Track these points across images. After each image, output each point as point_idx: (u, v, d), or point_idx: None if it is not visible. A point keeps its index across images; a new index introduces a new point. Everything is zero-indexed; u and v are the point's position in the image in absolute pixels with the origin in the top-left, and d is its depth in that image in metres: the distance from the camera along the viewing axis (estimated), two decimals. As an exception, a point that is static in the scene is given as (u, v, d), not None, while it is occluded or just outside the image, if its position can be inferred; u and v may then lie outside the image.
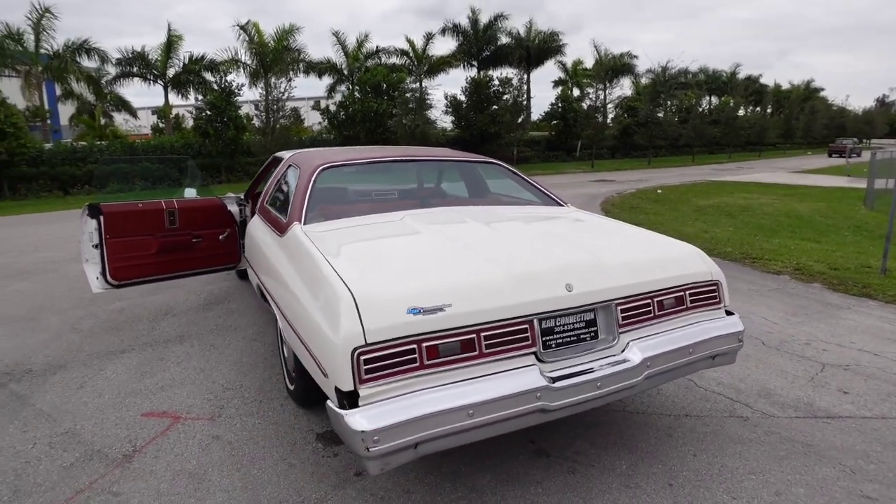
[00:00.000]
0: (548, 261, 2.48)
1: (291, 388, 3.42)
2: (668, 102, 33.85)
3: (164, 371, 4.14)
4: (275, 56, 24.68)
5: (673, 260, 2.79)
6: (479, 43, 34.27)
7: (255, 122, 23.99)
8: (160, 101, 28.20)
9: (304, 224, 3.11)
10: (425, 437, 2.00)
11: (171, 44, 26.55)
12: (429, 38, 31.79)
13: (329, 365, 2.04)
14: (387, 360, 2.02)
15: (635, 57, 37.48)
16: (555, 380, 2.22)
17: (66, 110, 32.37)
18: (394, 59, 31.58)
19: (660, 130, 31.95)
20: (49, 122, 27.79)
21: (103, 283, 4.77)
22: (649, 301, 2.58)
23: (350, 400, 2.00)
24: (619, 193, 16.28)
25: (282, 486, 2.69)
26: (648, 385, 2.55)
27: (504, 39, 34.86)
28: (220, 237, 5.26)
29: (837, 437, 3.00)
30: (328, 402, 2.03)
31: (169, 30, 26.39)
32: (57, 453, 3.09)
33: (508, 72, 31.80)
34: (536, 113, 43.30)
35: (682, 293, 2.70)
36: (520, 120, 27.42)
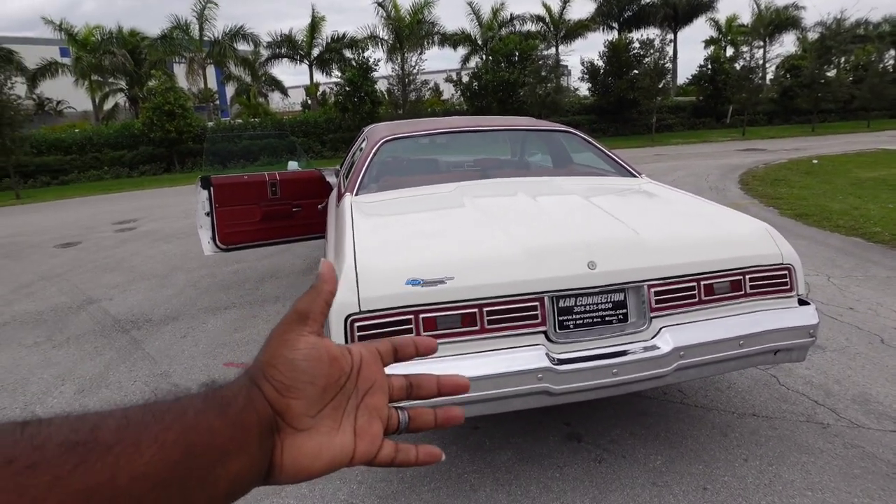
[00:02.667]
0: (573, 235, 2.32)
1: None
2: (841, 60, 29.52)
3: (254, 327, 4.53)
4: (410, 30, 25.25)
5: (734, 239, 2.47)
6: (620, 3, 32.35)
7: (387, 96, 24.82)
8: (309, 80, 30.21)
9: (356, 195, 3.20)
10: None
11: (314, 25, 28.22)
12: (566, 1, 30.57)
13: (328, 330, 2.10)
14: (381, 329, 2.04)
15: (802, 8, 33.19)
16: (560, 362, 2.10)
17: (232, 92, 35.93)
18: (529, 26, 30.88)
19: (828, 92, 27.99)
20: (215, 103, 31.06)
21: (214, 246, 5.29)
22: (693, 284, 2.31)
23: None
24: (766, 164, 14.67)
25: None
26: (683, 377, 2.32)
27: (648, -2, 32.58)
28: (319, 206, 5.57)
29: (941, 457, 2.52)
30: None
31: (313, 12, 28.05)
32: (150, 390, 3.55)
33: (652, 32, 29.71)
34: (683, 77, 40.15)
35: (739, 277, 2.38)
36: (661, 84, 25.53)
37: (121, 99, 30.47)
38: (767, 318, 2.36)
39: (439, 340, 2.05)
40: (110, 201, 14.34)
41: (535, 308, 2.13)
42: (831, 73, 29.11)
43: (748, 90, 26.90)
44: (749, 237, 2.49)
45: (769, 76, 32.68)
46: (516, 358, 2.07)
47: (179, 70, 29.19)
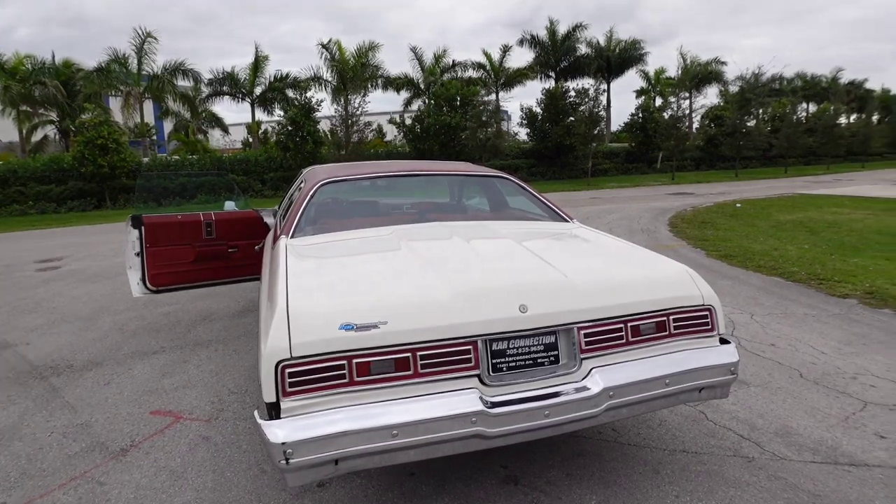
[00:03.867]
0: (505, 279, 2.37)
1: None
2: (759, 111, 31.82)
3: (184, 373, 4.34)
4: (354, 72, 25.60)
5: (657, 281, 2.58)
6: (556, 54, 33.95)
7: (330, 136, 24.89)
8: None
9: (291, 237, 3.17)
10: (346, 454, 1.96)
11: (258, 64, 28.22)
12: (505, 50, 31.89)
13: (260, 376, 2.05)
14: (313, 375, 2.00)
15: (723, 63, 35.77)
16: (494, 405, 2.11)
17: (170, 127, 35.14)
18: (470, 73, 31.89)
19: (748, 140, 30.05)
20: (152, 138, 30.23)
21: (143, 288, 5.10)
22: (621, 326, 2.40)
23: (274, 411, 2.00)
24: (693, 207, 15.46)
25: (247, 490, 2.75)
26: (613, 417, 2.37)
27: (583, 49, 34.41)
28: (256, 248, 5.46)
29: (854, 488, 2.65)
30: (255, 411, 2.04)
31: (256, 51, 28.11)
32: (67, 442, 3.33)
33: (587, 82, 31.23)
34: (616, 124, 42.23)
35: (663, 318, 2.49)
36: (596, 131, 26.75)
37: (51, 131, 29.27)
38: (691, 358, 2.46)
39: (373, 386, 2.04)
40: (34, 238, 13.57)
41: (468, 352, 2.15)
42: (751, 123, 31.27)
43: (676, 138, 28.52)
44: (672, 279, 2.62)
45: (695, 125, 34.81)
46: (450, 402, 2.07)
47: (115, 104, 28.39)
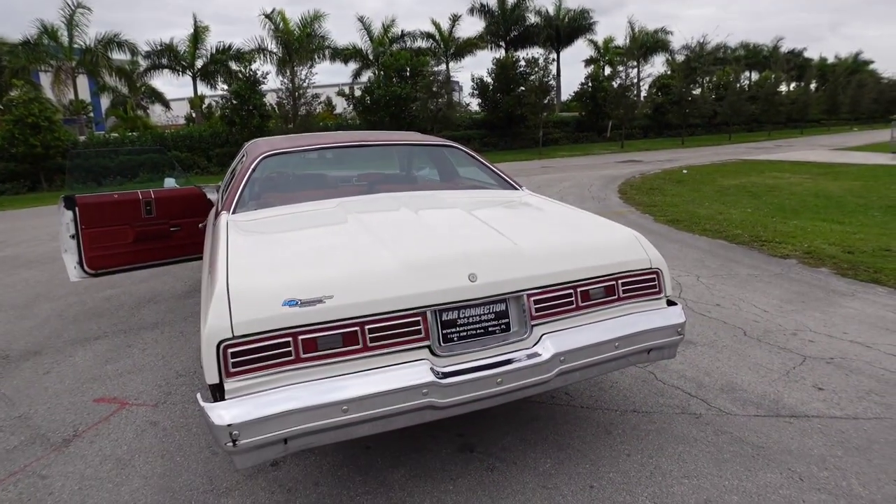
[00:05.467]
0: (453, 249, 2.33)
1: None
2: (704, 79, 32.55)
3: (129, 357, 4.18)
4: (300, 43, 24.80)
5: (605, 246, 2.60)
6: (506, 23, 33.74)
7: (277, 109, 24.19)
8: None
9: (233, 213, 3.05)
10: (295, 432, 1.91)
11: (197, 35, 27.02)
12: (455, 19, 31.46)
13: (202, 357, 1.96)
14: (258, 354, 1.93)
15: (670, 33, 36.31)
16: (445, 375, 2.09)
17: (107, 104, 33.37)
18: (420, 43, 31.38)
19: (694, 108, 30.76)
20: (89, 115, 28.69)
21: (80, 272, 4.85)
22: (571, 291, 2.40)
23: (218, 393, 1.92)
24: (642, 174, 15.79)
25: (198, 473, 2.67)
26: (565, 381, 2.39)
27: (532, 19, 34.30)
28: (200, 225, 5.26)
29: (795, 439, 2.77)
30: (198, 394, 1.96)
31: (195, 21, 26.84)
32: (5, 436, 3.16)
33: (537, 52, 31.19)
34: (566, 93, 42.48)
35: (612, 282, 2.51)
36: (546, 101, 26.84)
37: (-25, 111, 27.38)
38: (639, 320, 2.50)
39: (320, 362, 1.99)
40: (-40, 225, 12.77)
41: (417, 323, 2.12)
42: (697, 92, 31.99)
43: (625, 106, 28.94)
44: (619, 244, 2.64)
45: (643, 94, 35.34)
46: (400, 374, 2.04)
47: (46, 80, 26.71)
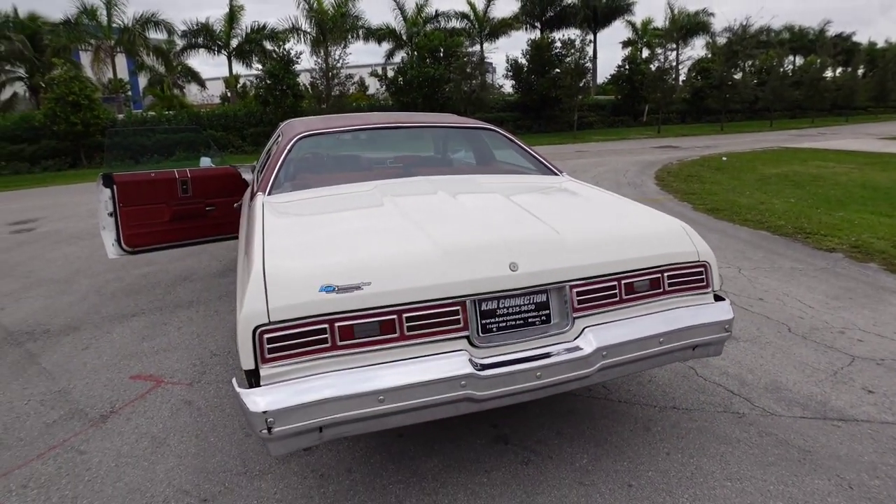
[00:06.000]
0: (494, 236, 2.25)
1: None
2: (746, 63, 31.45)
3: (165, 335, 4.23)
4: (334, 23, 24.71)
5: (652, 237, 2.49)
6: (542, 3, 33.06)
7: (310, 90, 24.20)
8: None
9: (268, 194, 3.02)
10: (331, 420, 1.88)
11: (233, 14, 27.12)
12: (490, -1, 30.88)
13: (237, 342, 1.94)
14: (294, 340, 1.90)
15: (711, 15, 35.12)
16: (483, 367, 2.03)
17: (145, 83, 33.91)
18: (454, 23, 30.98)
19: (735, 93, 29.78)
20: (128, 94, 29.18)
21: (118, 249, 4.92)
22: (615, 283, 2.31)
23: (253, 379, 1.90)
24: (679, 161, 15.38)
25: (231, 454, 2.68)
26: (606, 377, 2.31)
27: (569, -1, 33.45)
28: (235, 205, 5.28)
29: (845, 443, 2.64)
30: (233, 379, 1.94)
31: (231, 1, 26.90)
32: (45, 410, 3.23)
33: (573, 33, 30.57)
34: (602, 76, 41.60)
35: (657, 275, 2.41)
36: (582, 83, 26.30)
37: (20, 88, 28.12)
38: (685, 315, 2.40)
39: (357, 350, 1.94)
40: (7, 199, 13.16)
41: (456, 312, 2.05)
42: (738, 76, 30.96)
43: (662, 90, 28.20)
44: (666, 235, 2.52)
45: (682, 77, 34.39)
46: (438, 365, 1.98)
47: (87, 59, 27.23)
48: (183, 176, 5.02)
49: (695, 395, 3.08)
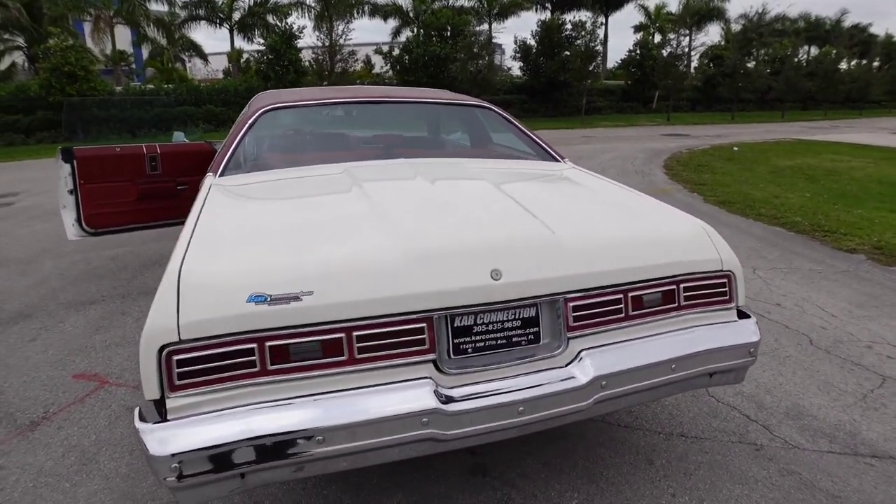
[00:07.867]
0: (474, 236, 1.84)
1: None
2: (760, 51, 30.60)
3: (121, 327, 3.86)
4: (338, -4, 24.07)
5: (667, 240, 2.07)
6: (553, -16, 32.17)
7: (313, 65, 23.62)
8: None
9: (219, 175, 2.61)
10: (256, 466, 1.49)
11: (235, -15, 26.43)
12: (500, -22, 30.07)
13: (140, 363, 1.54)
14: (212, 363, 1.51)
15: (727, 0, 34.18)
16: (451, 399, 1.63)
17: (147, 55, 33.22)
18: (462, 2, 30.20)
19: (748, 82, 29.00)
20: (131, 66, 28.58)
21: (79, 230, 4.51)
22: (620, 296, 1.90)
23: (159, 410, 1.51)
24: (689, 150, 14.85)
25: (165, 484, 2.29)
26: (603, 410, 1.91)
27: (581, -20, 32.60)
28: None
29: (880, 488, 2.25)
30: (136, 409, 1.55)
31: (234, -29, 26.23)
32: (-24, 409, 2.85)
33: (584, 15, 29.75)
34: (613, 61, 40.73)
35: (672, 287, 1.99)
36: (591, 67, 25.62)
37: (19, 58, 27.56)
38: (703, 336, 1.99)
39: (293, 376, 1.55)
40: (-6, 171, 12.76)
41: (421, 331, 1.65)
42: (751, 65, 30.18)
43: (674, 77, 27.49)
44: (684, 238, 2.11)
45: (693, 64, 33.60)
46: (395, 398, 1.59)
47: (89, 29, 26.61)
48: (152, 151, 4.59)
49: (706, 421, 2.68)
